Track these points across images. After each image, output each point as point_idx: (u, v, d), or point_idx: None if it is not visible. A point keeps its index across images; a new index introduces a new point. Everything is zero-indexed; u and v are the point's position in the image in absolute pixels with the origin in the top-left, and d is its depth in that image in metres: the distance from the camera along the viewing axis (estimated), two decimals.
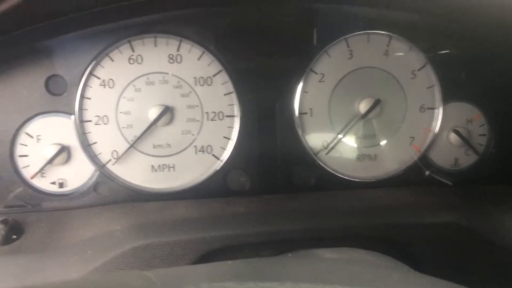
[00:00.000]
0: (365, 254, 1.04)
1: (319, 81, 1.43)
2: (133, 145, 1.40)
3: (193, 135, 1.43)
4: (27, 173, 1.39)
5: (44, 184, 1.40)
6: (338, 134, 1.46)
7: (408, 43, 1.44)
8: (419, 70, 1.46)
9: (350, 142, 1.48)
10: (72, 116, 1.36)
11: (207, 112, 1.42)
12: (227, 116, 1.43)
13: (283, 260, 0.94)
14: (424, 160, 1.51)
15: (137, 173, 1.43)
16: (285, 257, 1.11)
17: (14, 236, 1.25)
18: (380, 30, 1.42)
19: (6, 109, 1.34)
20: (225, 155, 1.44)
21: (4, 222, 1.26)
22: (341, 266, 0.78)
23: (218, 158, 1.45)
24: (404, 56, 1.45)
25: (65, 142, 1.38)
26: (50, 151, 1.37)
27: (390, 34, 1.42)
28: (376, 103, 1.43)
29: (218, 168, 1.44)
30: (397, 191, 1.47)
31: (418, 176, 1.51)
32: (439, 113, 1.49)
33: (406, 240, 1.29)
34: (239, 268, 0.79)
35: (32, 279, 1.14)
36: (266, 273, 0.74)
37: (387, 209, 1.36)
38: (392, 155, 1.51)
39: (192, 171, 1.45)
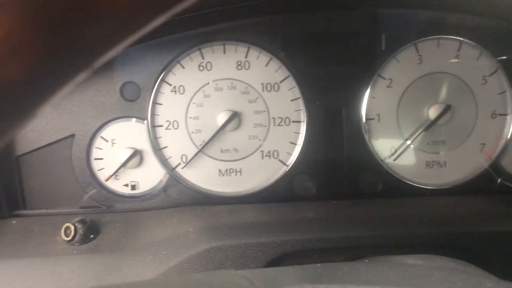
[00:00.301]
0: (450, 262, 1.01)
1: (387, 87, 1.42)
2: (201, 150, 1.44)
3: (260, 140, 1.45)
4: (101, 176, 1.45)
5: (117, 186, 1.46)
6: (406, 140, 1.44)
7: (479, 48, 1.40)
8: (490, 75, 1.42)
9: (418, 148, 1.46)
10: (145, 121, 1.41)
11: (273, 118, 1.44)
12: (293, 121, 1.44)
13: (370, 265, 0.93)
14: (495, 167, 1.46)
15: (205, 176, 1.46)
16: (369, 262, 1.10)
17: (92, 236, 1.31)
18: (451, 35, 1.39)
19: (85, 115, 1.41)
20: (291, 160, 1.45)
21: (82, 221, 1.31)
22: (432, 273, 0.77)
23: (284, 163, 1.46)
24: (475, 61, 1.42)
25: (138, 146, 1.44)
26: (124, 155, 1.42)
27: (461, 39, 1.39)
28: (447, 109, 1.40)
29: (284, 173, 1.46)
30: (468, 199, 1.43)
31: (489, 184, 1.46)
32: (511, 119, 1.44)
33: (481, 249, 1.25)
34: (331, 271, 0.80)
35: (110, 277, 1.18)
36: (360, 277, 0.74)
37: (460, 217, 1.32)
38: (462, 162, 1.47)
39: (258, 175, 1.47)
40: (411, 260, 0.97)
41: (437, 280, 0.75)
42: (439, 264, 0.99)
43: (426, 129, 1.43)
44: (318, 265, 0.82)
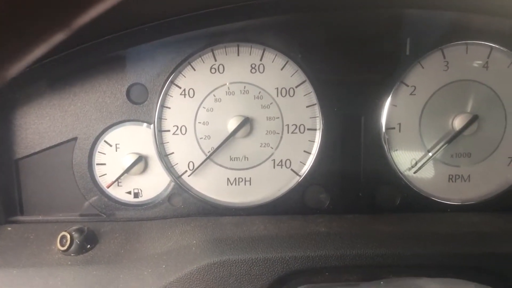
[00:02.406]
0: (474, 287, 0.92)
1: (410, 94, 1.34)
2: (209, 157, 1.36)
3: (272, 148, 1.37)
4: (103, 182, 1.38)
5: (119, 193, 1.39)
6: (429, 151, 1.36)
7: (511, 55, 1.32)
8: None
9: (441, 161, 1.37)
10: (151, 125, 1.34)
11: (287, 125, 1.36)
12: (308, 129, 1.36)
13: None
14: None
15: (212, 185, 1.39)
16: (385, 284, 1.01)
17: (89, 246, 1.24)
18: (480, 40, 1.31)
19: (89, 117, 1.34)
20: (305, 170, 1.37)
21: (80, 230, 1.24)
22: None
23: (297, 173, 1.38)
24: (506, 69, 1.33)
25: (143, 152, 1.37)
26: (127, 160, 1.35)
27: (492, 44, 1.31)
28: (473, 119, 1.32)
29: (296, 183, 1.38)
30: (493, 216, 1.35)
31: None
32: None
33: (508, 272, 1.16)
34: None
35: None
36: None
37: (484, 236, 1.23)
38: (488, 176, 1.39)
39: (269, 186, 1.39)
40: (431, 284, 0.88)
41: None
42: None
43: (450, 141, 1.34)
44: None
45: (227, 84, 1.34)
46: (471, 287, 0.92)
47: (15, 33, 0.34)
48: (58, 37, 0.37)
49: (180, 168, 1.37)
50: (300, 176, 1.38)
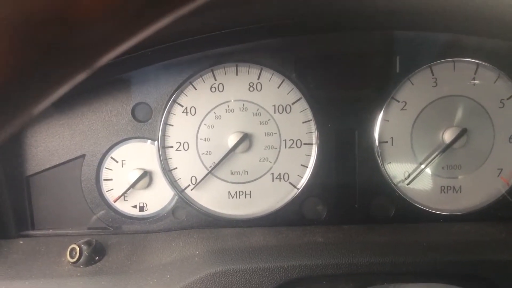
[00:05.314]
0: None
1: (401, 109, 1.39)
2: (211, 171, 1.42)
3: (270, 162, 1.43)
4: (110, 196, 1.44)
5: (125, 207, 1.45)
6: (420, 164, 1.41)
7: (497, 71, 1.37)
8: (508, 99, 1.39)
9: (432, 173, 1.42)
10: (155, 142, 1.40)
11: (285, 140, 1.42)
12: (305, 144, 1.42)
13: None
14: None
15: (214, 199, 1.44)
16: None
17: (97, 258, 1.29)
18: (467, 58, 1.37)
19: (96, 135, 1.41)
20: (302, 183, 1.43)
21: (88, 243, 1.30)
22: None
23: (295, 186, 1.43)
24: (492, 85, 1.38)
25: (147, 167, 1.43)
26: (133, 176, 1.41)
27: (478, 61, 1.37)
28: (462, 132, 1.37)
29: (294, 196, 1.43)
30: (484, 225, 1.38)
31: (507, 211, 1.42)
32: None
33: (496, 279, 1.20)
34: None
35: None
36: None
37: (474, 245, 1.27)
38: (478, 187, 1.43)
39: (268, 198, 1.44)
40: None
41: None
42: None
43: (441, 153, 1.39)
44: None
45: (232, 100, 1.40)
46: None
47: (41, 77, 0.40)
48: (80, 77, 0.43)
49: (183, 182, 1.43)
50: (298, 188, 1.43)
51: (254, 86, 1.40)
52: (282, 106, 1.41)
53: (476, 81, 1.38)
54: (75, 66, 0.41)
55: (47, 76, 0.41)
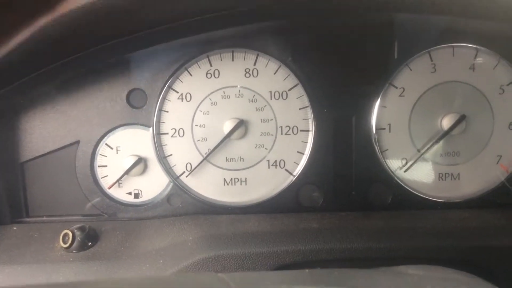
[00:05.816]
0: (453, 273, 0.96)
1: (399, 96, 1.38)
2: (206, 158, 1.41)
3: (266, 149, 1.41)
4: (105, 183, 1.43)
5: (120, 194, 1.44)
6: (418, 151, 1.39)
7: (497, 56, 1.35)
8: (508, 85, 1.37)
9: (431, 160, 1.41)
10: (150, 128, 1.39)
11: (281, 126, 1.40)
12: (301, 130, 1.40)
13: (364, 273, 0.88)
14: None
15: (209, 186, 1.43)
16: (363, 270, 1.05)
17: (90, 243, 1.28)
18: (467, 43, 1.35)
19: (90, 121, 1.39)
20: (298, 170, 1.41)
21: (81, 229, 1.29)
22: (427, 282, 0.72)
23: (291, 173, 1.42)
24: (492, 70, 1.36)
25: (142, 154, 1.41)
26: (128, 162, 1.40)
27: (478, 47, 1.35)
28: (461, 119, 1.35)
29: (290, 183, 1.42)
30: (482, 212, 1.37)
31: (506, 198, 1.40)
32: None
33: (493, 264, 1.19)
34: (318, 276, 0.75)
35: None
36: (349, 284, 0.70)
37: (471, 231, 1.26)
38: (477, 174, 1.41)
39: (264, 185, 1.43)
40: (412, 270, 0.92)
41: None
42: (440, 275, 0.93)
43: (439, 140, 1.38)
44: (307, 270, 0.77)
45: (228, 86, 1.38)
46: (449, 272, 0.95)
47: None
48: (40, 22, 0.40)
49: (178, 169, 1.42)
50: (294, 175, 1.42)
51: (250, 72, 1.38)
52: (279, 93, 1.39)
53: (475, 67, 1.36)
54: (33, 8, 0.39)
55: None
